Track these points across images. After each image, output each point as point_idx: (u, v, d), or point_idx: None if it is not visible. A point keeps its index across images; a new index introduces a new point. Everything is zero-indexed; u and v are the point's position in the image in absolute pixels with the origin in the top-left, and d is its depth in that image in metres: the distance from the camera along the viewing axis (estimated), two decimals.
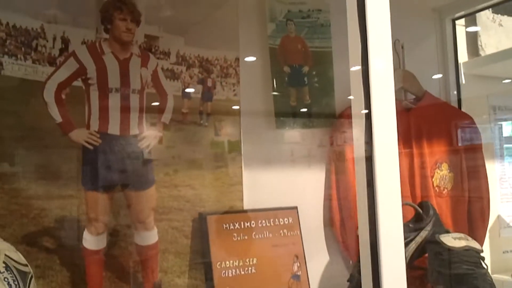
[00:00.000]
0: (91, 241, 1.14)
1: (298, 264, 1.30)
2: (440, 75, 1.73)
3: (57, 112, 1.11)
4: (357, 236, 1.38)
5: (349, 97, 0.79)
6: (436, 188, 1.54)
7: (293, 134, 1.43)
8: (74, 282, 1.11)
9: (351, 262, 1.45)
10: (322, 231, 1.44)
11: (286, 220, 1.32)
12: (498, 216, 1.82)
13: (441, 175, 1.55)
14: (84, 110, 1.15)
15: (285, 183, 1.40)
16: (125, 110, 1.19)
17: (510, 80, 1.87)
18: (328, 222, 1.45)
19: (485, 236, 1.62)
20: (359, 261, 1.27)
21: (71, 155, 1.14)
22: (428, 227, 1.31)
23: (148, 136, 1.21)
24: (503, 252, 1.80)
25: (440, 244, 1.23)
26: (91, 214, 1.15)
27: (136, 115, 1.20)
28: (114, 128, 1.17)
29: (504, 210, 1.83)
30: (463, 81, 1.74)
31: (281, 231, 1.31)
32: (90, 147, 1.14)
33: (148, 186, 1.21)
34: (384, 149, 0.82)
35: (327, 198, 1.46)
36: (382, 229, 0.82)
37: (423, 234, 1.31)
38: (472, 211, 1.61)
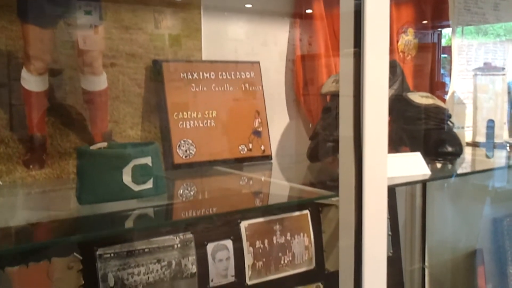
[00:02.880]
0: (31, 81, 1.01)
1: (260, 120, 1.22)
2: None
3: None
4: (319, 98, 1.33)
5: None
6: (401, 53, 1.49)
7: None
8: (13, 123, 0.99)
9: (310, 125, 1.40)
10: (283, 91, 1.37)
11: (247, 74, 1.23)
12: (453, 92, 1.81)
13: (406, 40, 1.49)
14: None
15: (247, 37, 1.28)
16: None
17: None
18: (290, 83, 1.37)
19: None
20: (322, 118, 1.22)
21: None
22: (395, 86, 1.26)
23: None
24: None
25: (408, 101, 1.19)
26: (30, 51, 1.00)
27: None
28: None
29: (459, 86, 1.83)
30: None
31: (242, 85, 1.22)
32: None
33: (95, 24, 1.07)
34: None
35: (290, 58, 1.37)
36: None
37: (389, 92, 1.26)
38: (433, 82, 1.58)
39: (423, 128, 1.15)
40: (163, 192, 0.86)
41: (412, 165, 1.02)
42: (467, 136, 1.69)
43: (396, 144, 1.22)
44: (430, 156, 1.09)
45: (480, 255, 1.83)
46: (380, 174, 0.87)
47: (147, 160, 0.81)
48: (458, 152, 1.11)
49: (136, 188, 0.81)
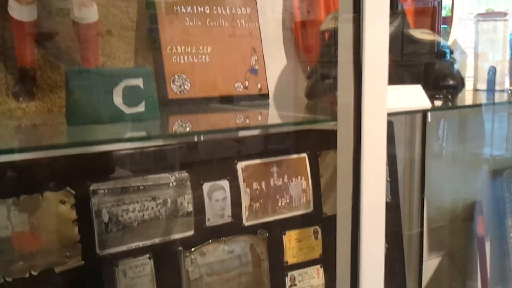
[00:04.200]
0: (18, 10, 0.97)
1: (256, 58, 1.19)
2: None
3: None
4: (319, 38, 1.29)
5: None
6: None
7: None
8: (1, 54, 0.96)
9: (308, 67, 1.37)
10: (281, 31, 1.33)
11: (243, 10, 1.19)
12: (454, 41, 1.78)
13: None
14: None
15: None
16: None
17: None
18: (288, 22, 1.33)
19: None
20: (321, 56, 1.19)
21: None
22: (395, 23, 1.22)
23: None
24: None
25: (409, 37, 1.16)
26: None
27: None
28: None
29: (460, 35, 1.79)
30: None
31: (238, 21, 1.18)
32: None
33: None
34: None
35: None
36: None
37: (390, 29, 1.22)
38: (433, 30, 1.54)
39: (423, 63, 1.12)
40: (156, 117, 0.84)
41: (413, 97, 1.00)
42: (468, 86, 1.66)
43: (396, 82, 1.19)
44: (431, 90, 1.06)
45: (480, 206, 1.82)
46: (379, 103, 0.84)
47: (139, 82, 0.79)
48: (459, 86, 1.09)
49: (127, 110, 0.79)
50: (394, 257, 1.49)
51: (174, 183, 1.12)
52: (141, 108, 0.80)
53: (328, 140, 1.33)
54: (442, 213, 1.77)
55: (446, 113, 1.75)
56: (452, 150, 1.83)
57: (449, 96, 1.07)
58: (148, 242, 1.09)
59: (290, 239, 1.30)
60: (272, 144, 1.28)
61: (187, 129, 1.01)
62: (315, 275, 1.33)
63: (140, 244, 1.08)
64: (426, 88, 1.05)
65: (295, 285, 1.30)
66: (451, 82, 1.06)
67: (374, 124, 0.84)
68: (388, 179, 1.49)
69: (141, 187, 1.08)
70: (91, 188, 1.03)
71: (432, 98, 1.07)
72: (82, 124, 0.77)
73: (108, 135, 0.81)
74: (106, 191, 1.04)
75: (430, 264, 1.74)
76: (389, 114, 0.85)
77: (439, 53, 1.12)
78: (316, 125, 1.37)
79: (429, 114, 1.61)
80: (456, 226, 1.81)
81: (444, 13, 1.74)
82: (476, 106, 1.41)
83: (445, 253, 1.79)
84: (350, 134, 0.83)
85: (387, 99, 0.85)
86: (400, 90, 0.99)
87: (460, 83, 1.09)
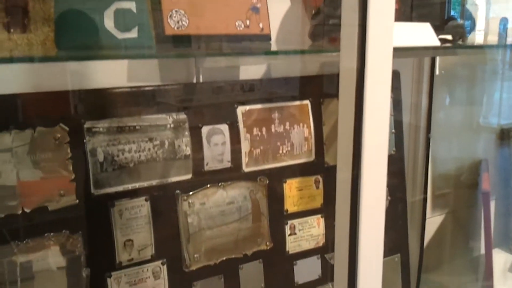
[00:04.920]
0: None
1: None
2: None
3: None
4: None
5: None
6: None
7: None
8: None
9: (313, 11, 1.31)
10: None
11: None
12: None
13: None
14: None
15: None
16: None
17: None
18: None
19: None
20: None
21: None
22: None
23: None
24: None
25: None
26: None
27: None
28: None
29: None
30: None
31: None
32: None
33: None
34: None
35: None
36: None
37: None
38: None
39: (433, 3, 1.07)
40: (149, 44, 0.80)
41: (421, 35, 0.95)
42: (478, 39, 1.61)
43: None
44: (440, 30, 1.01)
45: (486, 164, 1.79)
46: (385, 37, 0.79)
47: (131, 5, 0.75)
48: (470, 27, 1.04)
49: (119, 35, 0.75)
50: (396, 210, 1.47)
51: (172, 125, 1.09)
52: (134, 33, 0.76)
53: (331, 87, 1.29)
54: (447, 173, 1.73)
55: (454, 68, 1.70)
56: (459, 107, 1.78)
57: (459, 36, 1.02)
58: (145, 184, 1.07)
59: (291, 187, 1.27)
60: (274, 89, 1.24)
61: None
62: (316, 225, 1.31)
63: (137, 185, 1.06)
64: (435, 28, 1.00)
65: (295, 233, 1.28)
66: (461, 21, 1.01)
67: (379, 62, 0.79)
68: (393, 131, 1.45)
69: (137, 127, 1.05)
70: (85, 126, 1.00)
71: (441, 40, 1.03)
72: (72, 48, 0.73)
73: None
74: (101, 129, 1.01)
75: (433, 221, 1.72)
76: (395, 51, 0.80)
77: None
78: (319, 72, 1.33)
79: (437, 66, 1.56)
80: (461, 184, 1.78)
81: None
82: (487, 47, 1.35)
83: (449, 211, 1.76)
84: (353, 77, 0.78)
85: (394, 35, 0.80)
86: (407, 27, 0.94)
87: (472, 23, 1.04)
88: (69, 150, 0.98)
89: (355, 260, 0.80)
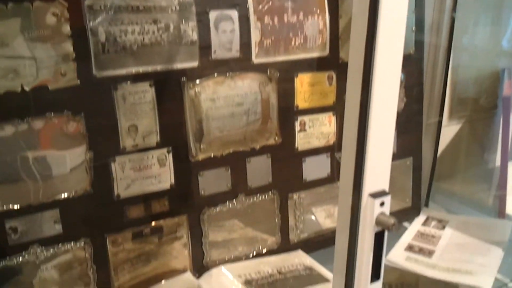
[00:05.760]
0: None
1: None
2: None
3: None
4: None
5: None
6: None
7: None
8: None
9: None
10: None
11: None
12: None
13: None
14: None
15: None
16: None
17: None
18: None
19: None
20: None
21: None
22: None
23: None
24: None
25: None
26: None
27: None
28: None
29: None
30: None
31: None
32: None
33: None
34: None
35: None
36: None
37: None
38: None
39: None
40: None
41: None
42: None
43: None
44: None
45: (509, 72, 1.70)
46: None
47: None
48: None
49: None
50: (412, 112, 1.41)
51: (177, 7, 1.03)
52: None
53: None
54: (468, 80, 1.66)
55: None
56: (484, 12, 1.67)
57: None
58: (149, 69, 1.02)
59: (302, 82, 1.22)
60: None
61: None
62: (327, 122, 1.27)
63: (140, 69, 1.02)
64: None
65: (305, 130, 1.24)
66: None
67: None
68: (413, 29, 1.37)
69: (140, 8, 0.99)
70: (86, 3, 0.94)
71: None
72: None
73: None
74: (102, 7, 0.96)
75: (450, 129, 1.67)
76: None
77: None
78: None
79: None
80: (482, 93, 1.71)
81: None
82: None
83: (466, 121, 1.70)
84: None
85: None
86: None
87: None
88: (68, 28, 0.93)
89: (363, 159, 0.75)
